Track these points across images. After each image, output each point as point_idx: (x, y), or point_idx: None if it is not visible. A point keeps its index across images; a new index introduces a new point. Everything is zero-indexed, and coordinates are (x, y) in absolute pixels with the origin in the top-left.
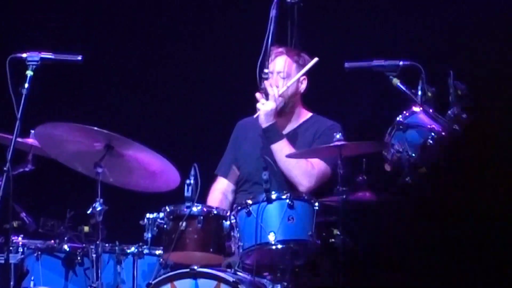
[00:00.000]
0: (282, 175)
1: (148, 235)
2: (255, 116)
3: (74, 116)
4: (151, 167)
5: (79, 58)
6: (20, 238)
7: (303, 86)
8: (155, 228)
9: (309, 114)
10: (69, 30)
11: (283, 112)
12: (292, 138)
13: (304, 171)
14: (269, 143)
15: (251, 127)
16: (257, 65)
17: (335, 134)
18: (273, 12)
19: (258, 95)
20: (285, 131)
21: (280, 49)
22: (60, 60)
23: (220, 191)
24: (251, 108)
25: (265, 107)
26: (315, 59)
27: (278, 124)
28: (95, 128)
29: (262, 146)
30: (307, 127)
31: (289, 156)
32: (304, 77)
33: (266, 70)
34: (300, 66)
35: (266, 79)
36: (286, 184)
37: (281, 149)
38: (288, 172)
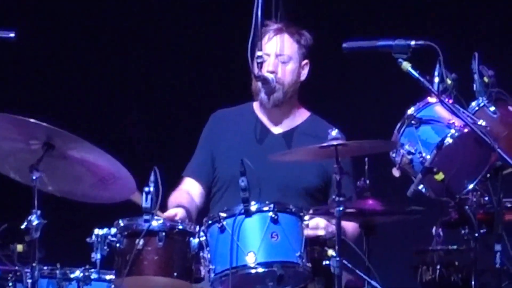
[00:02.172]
0: (266, 181)
1: (96, 256)
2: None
3: (4, 106)
4: (101, 172)
5: (11, 34)
6: None
7: (304, 73)
8: (105, 247)
9: (307, 114)
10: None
11: (282, 103)
12: (288, 138)
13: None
14: None
15: (232, 118)
16: (248, 46)
17: (330, 130)
18: None
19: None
20: (281, 129)
21: (278, 26)
22: None
23: (186, 191)
24: (226, 98)
25: (316, 222)
26: None
27: (274, 117)
28: (31, 120)
29: (247, 145)
30: (304, 130)
31: (276, 157)
32: (306, 61)
33: (259, 53)
34: (302, 47)
35: (261, 63)
36: (271, 193)
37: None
38: None
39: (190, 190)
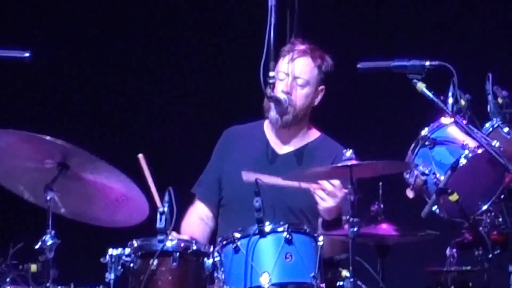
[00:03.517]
0: (280, 201)
1: (110, 276)
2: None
3: (20, 123)
4: (114, 194)
5: (27, 54)
6: None
7: (319, 98)
8: (119, 268)
9: (317, 134)
10: (15, 21)
11: (291, 125)
12: (298, 157)
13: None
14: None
15: (243, 136)
16: (261, 65)
17: (344, 151)
18: (272, 0)
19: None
20: (289, 148)
21: (303, 47)
22: (3, 57)
23: (198, 215)
24: (243, 115)
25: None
26: None
27: (283, 137)
28: (47, 137)
29: (257, 163)
30: (314, 149)
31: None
32: (322, 87)
33: (272, 73)
34: (322, 72)
35: (272, 84)
36: (285, 213)
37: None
38: None
39: (201, 214)
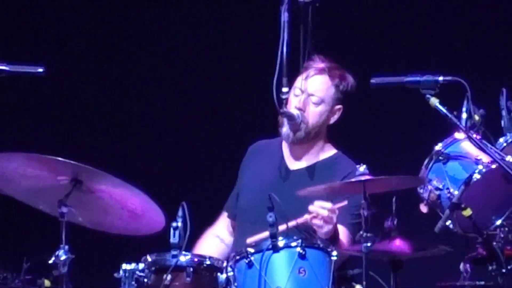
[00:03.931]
0: (292, 217)
1: None
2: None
3: (33, 145)
4: (130, 205)
5: (41, 70)
6: None
7: (335, 117)
8: (133, 282)
9: (333, 151)
10: (29, 37)
11: (304, 141)
12: (310, 173)
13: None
14: None
15: (263, 150)
16: (273, 81)
17: (358, 166)
18: (285, 16)
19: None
20: (302, 164)
21: (322, 65)
22: (16, 72)
23: (215, 235)
24: (263, 130)
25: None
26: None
27: (296, 153)
28: (59, 158)
29: (270, 179)
30: (328, 165)
31: (303, 193)
32: (339, 106)
33: (284, 89)
34: (340, 92)
35: (285, 99)
36: (296, 229)
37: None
38: None
39: (220, 230)
